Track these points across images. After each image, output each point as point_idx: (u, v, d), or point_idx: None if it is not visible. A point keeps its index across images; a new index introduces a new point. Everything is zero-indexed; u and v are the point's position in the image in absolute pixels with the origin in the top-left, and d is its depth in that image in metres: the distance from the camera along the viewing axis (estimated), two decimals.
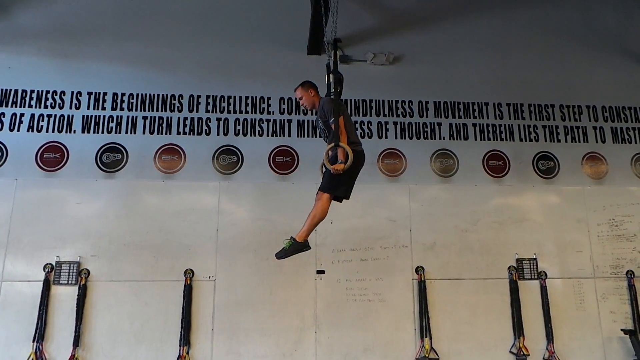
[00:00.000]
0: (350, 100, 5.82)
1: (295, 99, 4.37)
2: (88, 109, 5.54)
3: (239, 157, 5.58)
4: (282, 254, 3.70)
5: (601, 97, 6.19)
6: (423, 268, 5.40)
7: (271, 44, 5.87)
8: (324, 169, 3.92)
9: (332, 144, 3.60)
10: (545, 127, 6.05)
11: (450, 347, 5.23)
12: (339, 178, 3.66)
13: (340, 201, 3.88)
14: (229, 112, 5.70)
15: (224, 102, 5.73)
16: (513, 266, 5.51)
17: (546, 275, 5.51)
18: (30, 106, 5.48)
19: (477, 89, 6.05)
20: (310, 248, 3.75)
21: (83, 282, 5.01)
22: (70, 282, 5.02)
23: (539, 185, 5.83)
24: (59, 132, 5.44)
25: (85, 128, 5.49)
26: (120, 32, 5.76)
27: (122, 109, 5.57)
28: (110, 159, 5.43)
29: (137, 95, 5.63)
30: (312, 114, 4.12)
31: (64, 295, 4.99)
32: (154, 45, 5.75)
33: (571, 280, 5.57)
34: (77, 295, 4.96)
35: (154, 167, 5.45)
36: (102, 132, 5.49)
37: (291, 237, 3.68)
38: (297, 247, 3.66)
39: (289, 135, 5.68)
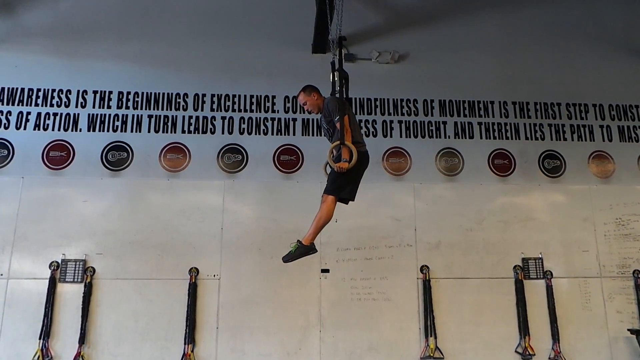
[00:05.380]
0: (355, 98, 5.79)
1: None
2: (94, 107, 5.56)
3: (244, 156, 5.58)
4: (288, 257, 3.70)
5: (608, 95, 6.14)
6: (428, 267, 5.38)
7: (276, 43, 5.86)
8: (328, 169, 3.91)
9: (337, 143, 3.58)
10: (551, 126, 6.01)
11: (455, 347, 5.21)
12: (344, 179, 3.65)
13: (347, 203, 3.87)
14: (233, 110, 5.70)
15: (228, 100, 5.73)
16: (518, 265, 5.48)
17: (552, 274, 5.48)
18: (36, 105, 5.51)
19: (482, 88, 6.02)
20: (316, 251, 3.77)
21: (89, 280, 5.03)
22: (76, 279, 5.04)
23: (545, 184, 5.80)
24: (65, 130, 5.46)
25: (91, 126, 5.51)
26: (126, 31, 5.78)
27: (127, 107, 5.59)
28: (116, 158, 5.44)
29: (143, 93, 5.65)
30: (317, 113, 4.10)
31: (70, 293, 5.02)
32: (159, 44, 5.76)
33: (577, 280, 5.53)
34: (83, 293, 4.99)
35: (159, 165, 5.47)
36: (108, 131, 5.51)
37: (297, 241, 3.69)
38: (303, 250, 3.67)
39: (294, 134, 5.68)
